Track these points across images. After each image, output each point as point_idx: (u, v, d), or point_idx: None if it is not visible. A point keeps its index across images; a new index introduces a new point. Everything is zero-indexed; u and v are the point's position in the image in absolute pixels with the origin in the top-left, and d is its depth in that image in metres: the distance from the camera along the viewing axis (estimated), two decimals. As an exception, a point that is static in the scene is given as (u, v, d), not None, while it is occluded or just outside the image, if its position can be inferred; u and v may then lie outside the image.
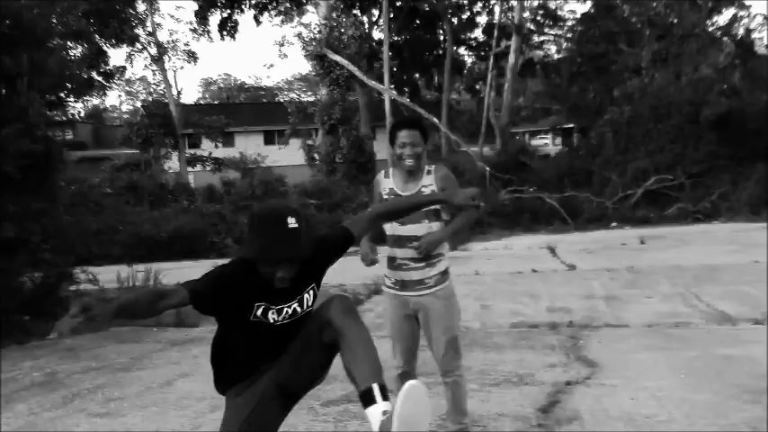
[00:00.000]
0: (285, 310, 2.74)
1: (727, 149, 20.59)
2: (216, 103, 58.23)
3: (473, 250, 15.42)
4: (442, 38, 36.51)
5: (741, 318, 7.46)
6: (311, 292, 2.83)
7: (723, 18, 29.19)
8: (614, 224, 19.54)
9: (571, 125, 32.50)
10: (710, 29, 26.38)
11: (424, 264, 3.96)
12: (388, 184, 4.04)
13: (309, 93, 51.17)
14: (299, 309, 2.79)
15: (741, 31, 26.46)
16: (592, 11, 30.18)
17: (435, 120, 26.37)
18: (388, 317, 4.17)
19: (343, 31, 26.48)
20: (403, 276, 3.99)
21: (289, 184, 24.26)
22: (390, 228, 3.91)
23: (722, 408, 4.68)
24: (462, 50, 39.59)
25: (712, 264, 11.39)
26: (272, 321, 2.72)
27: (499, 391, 5.30)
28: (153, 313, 2.56)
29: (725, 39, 25.85)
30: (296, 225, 2.62)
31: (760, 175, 19.37)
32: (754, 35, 27.01)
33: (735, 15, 26.79)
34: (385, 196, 4.02)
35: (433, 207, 3.79)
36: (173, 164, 31.77)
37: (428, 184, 3.93)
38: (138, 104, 52.30)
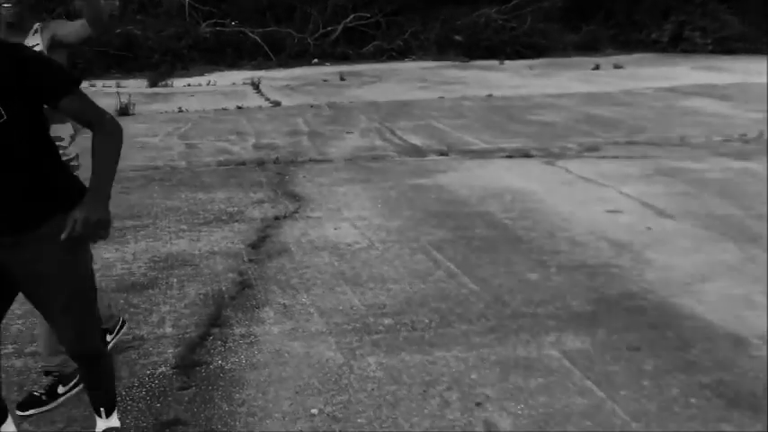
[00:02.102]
0: None
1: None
2: None
3: (175, 86, 14.84)
4: None
5: (429, 150, 8.20)
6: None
7: None
8: (316, 60, 19.88)
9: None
10: None
11: None
12: None
13: None
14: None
15: None
16: None
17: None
18: None
19: None
20: None
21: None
22: None
23: (413, 232, 5.22)
24: None
25: (404, 99, 12.20)
26: None
27: (209, 230, 5.36)
28: None
29: None
30: None
31: (446, 16, 20.75)
32: None
33: None
34: None
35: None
36: None
37: (35, 44, 3.09)
38: None
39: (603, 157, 7.59)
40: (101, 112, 2.26)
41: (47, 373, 3.05)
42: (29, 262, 2.22)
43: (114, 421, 2.65)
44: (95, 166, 2.22)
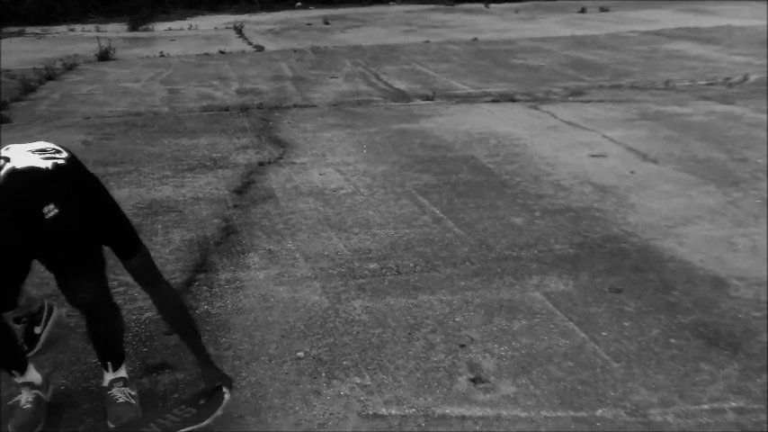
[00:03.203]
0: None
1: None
2: None
3: (156, 31, 14.58)
4: None
5: (414, 95, 8.14)
6: None
7: None
8: (299, 4, 19.57)
9: None
10: None
11: None
12: None
13: None
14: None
15: None
16: None
17: None
18: None
19: None
20: None
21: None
22: None
23: (398, 177, 5.21)
24: None
25: (389, 43, 12.06)
26: None
27: (193, 176, 5.33)
28: None
29: None
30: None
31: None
32: None
33: None
34: None
35: None
36: None
37: None
38: None
39: (588, 102, 7.57)
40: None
41: (17, 321, 2.99)
42: None
43: (122, 372, 2.62)
44: (195, 351, 2.49)
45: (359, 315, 3.24)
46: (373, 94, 8.26)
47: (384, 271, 3.69)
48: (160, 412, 2.49)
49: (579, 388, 2.65)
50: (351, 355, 2.91)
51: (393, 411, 2.54)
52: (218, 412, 2.41)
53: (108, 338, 2.58)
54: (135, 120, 7.15)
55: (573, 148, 5.86)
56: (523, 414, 2.50)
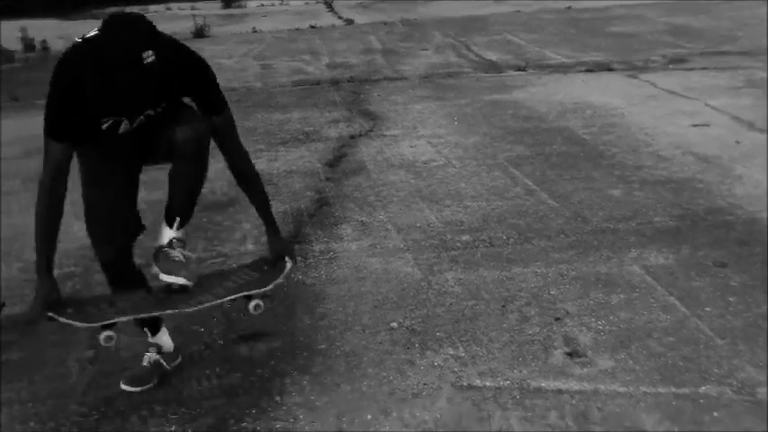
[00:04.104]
0: (138, 118, 2.28)
1: None
2: None
3: (248, 7, 14.82)
4: None
5: (506, 65, 7.99)
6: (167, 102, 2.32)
7: None
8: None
9: None
10: None
11: None
12: None
13: None
14: (153, 113, 2.31)
15: None
16: None
17: None
18: None
19: None
20: None
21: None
22: None
23: (490, 149, 5.14)
24: None
25: (480, 14, 11.87)
26: (122, 131, 2.29)
27: (286, 150, 5.40)
28: (63, 195, 2.24)
29: None
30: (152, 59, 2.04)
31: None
32: None
33: None
34: None
35: None
36: None
37: None
38: None
39: (690, 69, 7.26)
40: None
41: None
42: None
43: (182, 233, 2.54)
44: (258, 203, 2.61)
45: (452, 287, 3.22)
46: (464, 65, 8.16)
47: (477, 243, 3.66)
48: (219, 278, 2.54)
49: (681, 364, 2.55)
50: (444, 326, 2.91)
51: (487, 383, 2.52)
52: (280, 279, 2.49)
53: (190, 190, 2.52)
54: (229, 95, 7.22)
55: (674, 117, 5.63)
56: (622, 389, 2.44)
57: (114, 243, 2.49)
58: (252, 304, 2.47)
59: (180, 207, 2.51)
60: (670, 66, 7.51)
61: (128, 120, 2.26)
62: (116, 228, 2.48)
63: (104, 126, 2.23)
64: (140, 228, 2.57)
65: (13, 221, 4.29)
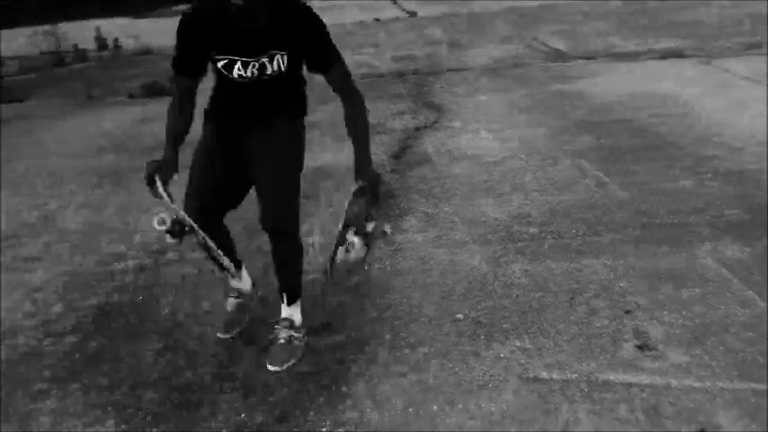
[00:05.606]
0: (252, 64, 2.49)
1: None
2: None
3: (312, 1, 14.93)
4: None
5: (573, 55, 7.85)
6: (284, 57, 2.52)
7: None
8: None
9: None
10: None
11: None
12: None
13: None
14: (269, 67, 2.52)
15: None
16: None
17: None
18: None
19: None
20: None
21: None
22: None
23: (556, 141, 5.06)
24: None
25: (545, 3, 11.69)
26: (236, 76, 2.51)
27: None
28: (191, 116, 2.60)
29: None
30: None
31: None
32: None
33: None
34: None
35: None
36: None
37: None
38: None
39: (765, 55, 7.00)
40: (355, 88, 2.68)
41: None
42: (263, 139, 2.63)
43: (295, 314, 2.81)
44: (355, 138, 2.68)
45: (518, 278, 3.19)
46: (529, 55, 8.06)
47: (544, 235, 3.61)
48: None
49: (760, 360, 2.47)
50: (510, 318, 2.88)
51: (554, 376, 2.49)
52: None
53: (286, 266, 2.77)
54: (295, 89, 7.37)
55: (747, 104, 5.44)
56: (697, 384, 2.37)
57: (200, 203, 2.64)
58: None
59: (283, 283, 2.80)
60: (745, 52, 7.25)
61: (240, 63, 2.47)
62: (204, 192, 2.64)
63: (220, 64, 2.49)
64: (231, 204, 2.75)
65: (90, 217, 4.42)
